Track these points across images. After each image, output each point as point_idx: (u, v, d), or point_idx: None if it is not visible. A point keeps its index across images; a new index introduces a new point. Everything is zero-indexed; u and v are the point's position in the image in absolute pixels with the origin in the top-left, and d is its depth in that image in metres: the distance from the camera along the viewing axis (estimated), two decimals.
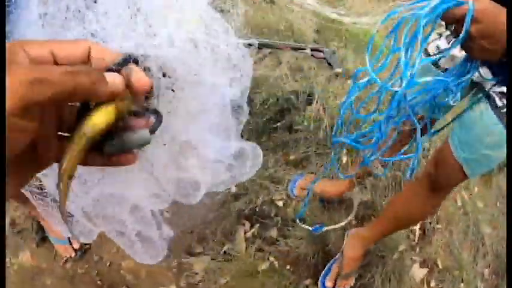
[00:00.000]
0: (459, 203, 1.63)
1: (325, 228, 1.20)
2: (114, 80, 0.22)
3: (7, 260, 1.33)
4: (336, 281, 1.18)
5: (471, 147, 0.79)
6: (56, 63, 0.22)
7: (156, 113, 0.26)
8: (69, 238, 1.22)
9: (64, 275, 1.25)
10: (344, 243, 1.21)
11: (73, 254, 1.25)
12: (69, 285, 1.23)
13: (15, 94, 0.18)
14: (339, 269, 1.18)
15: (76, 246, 1.24)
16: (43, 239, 1.31)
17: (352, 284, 1.21)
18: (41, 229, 1.32)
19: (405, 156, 0.75)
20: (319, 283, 1.20)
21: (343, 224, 1.24)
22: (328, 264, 1.21)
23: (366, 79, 0.69)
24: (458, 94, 0.66)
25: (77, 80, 0.20)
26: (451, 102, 0.66)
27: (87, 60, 0.23)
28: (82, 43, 0.23)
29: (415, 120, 0.67)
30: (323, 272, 1.21)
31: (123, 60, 0.24)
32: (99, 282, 1.23)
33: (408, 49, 0.61)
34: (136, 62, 0.25)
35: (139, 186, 0.39)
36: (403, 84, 0.61)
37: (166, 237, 0.56)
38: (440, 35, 0.86)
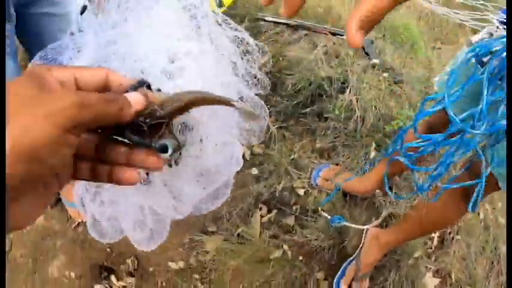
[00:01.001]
0: (481, 216, 1.56)
1: (344, 223, 1.15)
2: (136, 98, 0.25)
3: None
4: (351, 282, 1.14)
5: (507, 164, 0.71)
6: (77, 86, 0.25)
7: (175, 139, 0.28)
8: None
9: (75, 238, 1.23)
10: (362, 242, 1.16)
11: (85, 219, 1.23)
12: (79, 249, 1.21)
13: (66, 114, 0.20)
14: (355, 272, 1.13)
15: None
16: (57, 200, 1.29)
17: (367, 287, 1.17)
18: None
19: (467, 183, 0.65)
20: (334, 285, 1.16)
21: (365, 227, 1.18)
22: (344, 265, 1.17)
23: (436, 107, 0.54)
24: None
25: (110, 106, 0.23)
26: None
27: (105, 85, 0.26)
28: (100, 70, 0.26)
29: (481, 154, 0.57)
30: (338, 273, 1.16)
31: (138, 84, 0.27)
32: (108, 249, 1.20)
33: (490, 86, 0.48)
34: (148, 86, 0.28)
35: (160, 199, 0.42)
36: (483, 128, 0.50)
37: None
38: (491, 34, 0.77)
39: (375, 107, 1.33)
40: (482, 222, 1.53)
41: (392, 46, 1.57)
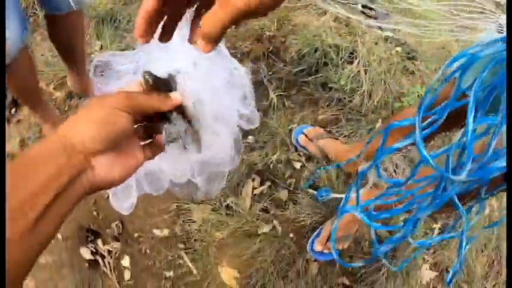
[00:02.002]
0: (486, 211, 1.47)
1: (333, 195, 1.05)
2: (176, 96, 0.39)
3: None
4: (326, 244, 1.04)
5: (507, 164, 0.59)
6: None
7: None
8: None
9: None
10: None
11: None
12: None
13: (119, 101, 0.34)
14: (330, 231, 1.03)
15: None
16: None
17: (345, 247, 1.07)
18: None
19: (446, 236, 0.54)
20: (308, 246, 1.06)
21: (354, 194, 1.08)
22: (321, 227, 1.07)
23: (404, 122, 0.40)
24: None
25: (152, 97, 0.37)
26: None
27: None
28: (136, 84, 0.40)
29: (460, 207, 0.42)
30: (314, 233, 1.06)
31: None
32: (94, 212, 1.16)
33: (478, 111, 0.33)
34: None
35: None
36: (464, 174, 0.35)
37: None
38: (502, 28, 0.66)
39: (384, 81, 1.23)
40: (487, 219, 1.44)
41: (408, 21, 1.45)
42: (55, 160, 0.30)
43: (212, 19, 0.28)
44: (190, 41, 0.36)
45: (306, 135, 1.12)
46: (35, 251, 0.29)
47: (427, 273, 1.28)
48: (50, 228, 0.30)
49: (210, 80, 0.99)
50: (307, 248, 1.08)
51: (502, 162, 0.34)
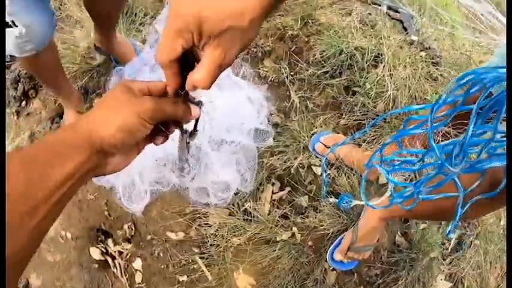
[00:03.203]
0: (502, 222, 1.45)
1: (355, 202, 1.02)
2: (195, 110, 0.41)
3: None
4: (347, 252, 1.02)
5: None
6: (149, 92, 0.39)
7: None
8: None
9: (73, 198, 1.14)
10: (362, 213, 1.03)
11: None
12: (76, 210, 1.13)
13: (147, 113, 0.36)
14: (351, 241, 1.01)
15: None
16: None
17: (365, 258, 1.04)
18: None
19: (448, 194, 0.59)
20: (327, 255, 1.04)
21: (376, 202, 1.04)
22: (341, 236, 1.05)
23: (417, 129, 0.50)
24: None
25: (176, 109, 0.39)
26: None
27: (164, 92, 0.40)
28: (161, 84, 0.40)
29: (460, 185, 0.52)
30: (334, 242, 1.04)
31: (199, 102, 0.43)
32: (106, 213, 1.12)
33: (478, 120, 0.42)
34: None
35: None
36: (459, 168, 0.46)
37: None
38: None
39: (409, 87, 1.19)
40: (503, 230, 1.42)
41: (432, 26, 1.41)
42: (78, 156, 0.33)
43: (202, 75, 0.32)
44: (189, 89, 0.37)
45: (323, 143, 1.09)
46: (38, 238, 0.31)
47: (442, 284, 1.26)
48: (54, 215, 0.32)
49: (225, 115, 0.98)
50: (327, 257, 1.05)
51: (490, 163, 0.44)
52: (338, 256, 1.03)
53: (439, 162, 0.47)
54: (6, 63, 1.37)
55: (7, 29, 0.75)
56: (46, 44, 0.84)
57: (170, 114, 0.38)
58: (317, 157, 1.12)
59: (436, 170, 0.49)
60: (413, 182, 0.57)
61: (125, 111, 0.35)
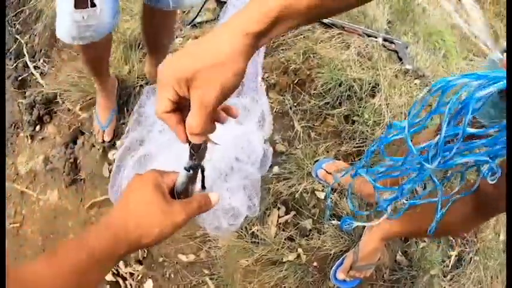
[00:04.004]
0: (501, 237, 1.50)
1: (355, 224, 1.08)
2: (215, 199, 0.45)
3: (34, 195, 1.31)
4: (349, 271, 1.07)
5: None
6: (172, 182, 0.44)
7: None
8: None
9: (87, 220, 1.21)
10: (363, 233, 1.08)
11: (100, 140, 1.26)
12: None
13: (180, 227, 0.41)
14: (353, 260, 1.06)
15: (106, 138, 1.25)
16: (73, 180, 1.27)
17: (367, 276, 1.09)
18: (72, 171, 1.28)
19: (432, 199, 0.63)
20: (331, 274, 1.09)
21: (376, 222, 1.10)
22: (343, 256, 1.11)
23: (396, 136, 0.57)
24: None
25: (202, 211, 0.44)
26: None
27: None
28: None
29: (438, 183, 0.56)
30: (337, 262, 1.10)
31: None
32: None
33: (451, 121, 0.48)
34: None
35: None
36: (435, 164, 0.51)
37: None
38: (494, 61, 0.72)
39: (405, 114, 1.27)
40: (502, 245, 1.47)
41: (426, 53, 1.51)
42: (115, 263, 0.38)
43: (195, 122, 0.33)
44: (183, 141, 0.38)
45: (325, 169, 1.16)
46: None
47: None
48: None
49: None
50: (330, 276, 1.10)
51: (462, 159, 0.50)
52: (341, 275, 1.08)
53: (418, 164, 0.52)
54: (22, 90, 1.45)
55: (72, 9, 0.71)
56: (106, 33, 0.83)
57: (196, 215, 0.43)
58: (320, 183, 1.19)
59: (416, 173, 0.55)
60: (398, 187, 0.62)
61: (161, 223, 0.39)
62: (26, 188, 1.35)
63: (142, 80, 1.31)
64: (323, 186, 1.18)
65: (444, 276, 1.32)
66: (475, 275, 1.34)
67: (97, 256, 0.36)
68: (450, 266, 1.35)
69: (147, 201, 0.39)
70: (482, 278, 1.36)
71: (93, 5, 0.74)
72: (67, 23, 0.77)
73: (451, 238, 1.39)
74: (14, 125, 1.42)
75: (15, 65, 1.46)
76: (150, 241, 0.39)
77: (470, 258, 1.37)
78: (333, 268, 1.10)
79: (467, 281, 1.32)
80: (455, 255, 1.36)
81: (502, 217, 1.40)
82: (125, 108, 1.30)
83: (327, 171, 1.15)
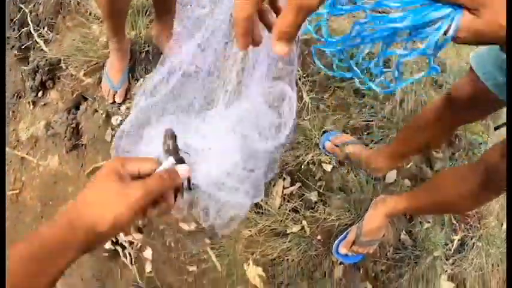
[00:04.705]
0: (504, 226, 1.49)
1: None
2: (183, 170, 0.44)
3: (34, 161, 1.29)
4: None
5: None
6: (139, 174, 0.42)
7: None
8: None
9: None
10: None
11: (110, 101, 1.24)
12: None
13: (139, 203, 0.39)
14: (356, 235, 1.04)
15: (118, 100, 1.23)
16: (74, 146, 1.24)
17: (370, 252, 1.07)
18: (74, 136, 1.25)
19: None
20: (333, 248, 1.07)
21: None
22: (347, 231, 1.09)
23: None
24: None
25: (165, 183, 0.42)
26: None
27: (154, 169, 0.44)
28: (150, 161, 0.44)
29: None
30: (340, 236, 1.08)
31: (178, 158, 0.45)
32: None
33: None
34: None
35: None
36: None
37: None
38: None
39: (415, 92, 1.25)
40: (505, 234, 1.45)
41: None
42: (73, 253, 0.37)
43: (286, 20, 0.29)
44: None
45: (332, 142, 1.14)
46: None
47: (445, 284, 1.29)
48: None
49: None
50: (332, 250, 1.08)
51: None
52: (343, 249, 1.07)
53: None
54: (25, 55, 1.41)
55: None
56: None
57: (160, 191, 0.40)
58: (327, 155, 1.16)
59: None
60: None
61: (115, 206, 0.37)
62: (27, 154, 1.32)
63: (149, 46, 1.28)
64: (330, 158, 1.15)
65: (446, 260, 1.31)
66: (476, 261, 1.33)
67: (49, 245, 0.35)
68: (453, 250, 1.33)
69: (102, 187, 0.39)
70: (483, 264, 1.35)
71: None
72: None
73: (455, 222, 1.38)
74: (16, 94, 1.39)
75: (18, 34, 1.43)
76: (107, 228, 0.37)
77: (473, 243, 1.35)
78: (336, 242, 1.08)
79: (468, 266, 1.31)
80: (458, 240, 1.35)
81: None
82: (130, 74, 1.27)
83: (334, 144, 1.13)
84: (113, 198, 0.37)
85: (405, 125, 1.15)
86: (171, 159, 0.43)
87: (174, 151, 0.44)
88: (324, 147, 1.15)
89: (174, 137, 0.44)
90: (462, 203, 0.85)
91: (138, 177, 0.41)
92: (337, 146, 1.12)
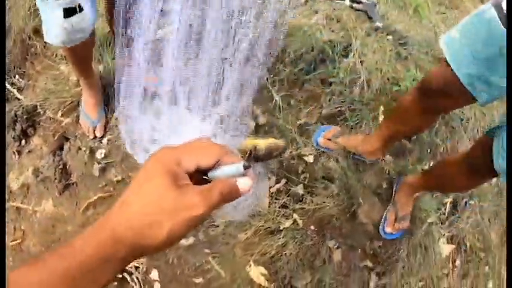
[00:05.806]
0: (494, 180, 1.53)
1: None
2: (245, 184, 0.33)
3: (29, 208, 1.31)
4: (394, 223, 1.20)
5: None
6: (198, 169, 0.34)
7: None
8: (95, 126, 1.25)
9: (85, 222, 1.21)
10: (394, 190, 1.22)
11: (91, 137, 1.26)
12: None
13: (198, 221, 0.31)
14: (395, 215, 1.19)
15: (98, 134, 1.25)
16: (66, 186, 1.27)
17: (408, 225, 1.21)
18: (63, 177, 1.28)
19: None
20: (380, 231, 1.20)
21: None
22: (384, 215, 1.22)
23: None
24: None
25: (226, 200, 0.32)
26: None
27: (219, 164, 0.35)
28: (215, 156, 0.34)
29: None
30: (381, 221, 1.21)
31: (244, 167, 0.34)
32: None
33: None
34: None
35: None
36: None
37: None
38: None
39: (381, 69, 1.29)
40: (496, 188, 1.49)
41: (395, 10, 1.51)
42: (117, 268, 0.31)
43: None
44: None
45: (325, 137, 1.20)
46: None
47: (445, 247, 1.33)
48: None
49: None
50: (380, 232, 1.20)
51: None
52: (388, 229, 1.19)
53: None
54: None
55: (61, 19, 0.72)
56: (91, 29, 0.85)
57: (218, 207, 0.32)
58: (306, 146, 1.20)
59: None
60: None
61: (170, 218, 0.30)
62: (21, 203, 1.35)
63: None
64: (311, 149, 1.19)
65: (442, 223, 1.34)
66: (472, 219, 1.37)
67: (88, 262, 0.30)
68: (446, 212, 1.37)
69: (153, 193, 0.31)
70: (479, 220, 1.38)
71: (81, 9, 0.75)
72: (57, 31, 0.78)
73: None
74: None
75: None
76: (158, 244, 0.30)
77: (465, 202, 1.39)
78: (380, 226, 1.20)
79: (465, 225, 1.35)
80: (450, 202, 1.38)
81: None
82: (106, 107, 1.30)
83: (327, 139, 1.17)
84: (169, 208, 0.30)
85: (387, 116, 1.20)
86: (241, 167, 0.33)
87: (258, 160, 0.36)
88: (317, 144, 1.21)
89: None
90: (462, 187, 1.08)
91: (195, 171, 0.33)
92: (329, 139, 1.18)
